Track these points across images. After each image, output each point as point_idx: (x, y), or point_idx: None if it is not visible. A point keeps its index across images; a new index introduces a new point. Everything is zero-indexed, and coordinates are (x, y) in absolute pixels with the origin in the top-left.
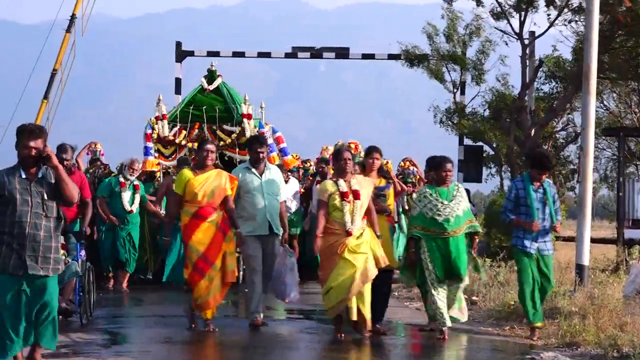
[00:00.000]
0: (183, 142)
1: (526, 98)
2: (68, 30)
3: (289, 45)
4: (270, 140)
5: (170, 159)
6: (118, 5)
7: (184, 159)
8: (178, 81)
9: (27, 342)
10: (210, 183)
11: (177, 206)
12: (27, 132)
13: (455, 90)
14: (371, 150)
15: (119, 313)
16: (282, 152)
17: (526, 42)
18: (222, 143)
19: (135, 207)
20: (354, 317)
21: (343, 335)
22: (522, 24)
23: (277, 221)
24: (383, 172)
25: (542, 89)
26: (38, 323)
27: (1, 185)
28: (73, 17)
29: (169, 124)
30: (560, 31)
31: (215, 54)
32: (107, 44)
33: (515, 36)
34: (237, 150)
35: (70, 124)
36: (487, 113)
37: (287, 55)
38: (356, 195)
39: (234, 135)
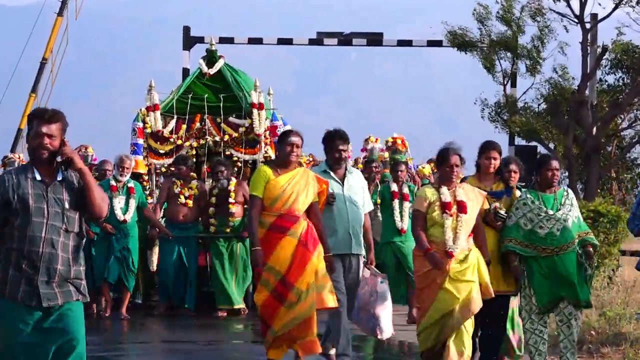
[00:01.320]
0: (179, 141)
1: (587, 91)
2: (60, 14)
3: (314, 30)
4: None
5: (165, 157)
6: None
7: (184, 156)
8: (186, 71)
9: None
10: (293, 185)
11: (259, 214)
12: (39, 115)
13: (505, 81)
14: (488, 148)
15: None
16: None
17: (587, 26)
18: (227, 138)
19: (129, 216)
20: None
21: None
22: (583, 5)
23: (360, 237)
24: (502, 175)
25: (606, 81)
26: None
27: (5, 189)
28: (64, 2)
29: (162, 115)
30: (627, 13)
31: (229, 40)
32: (104, 29)
33: (575, 20)
34: (244, 148)
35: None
36: (542, 108)
37: (312, 42)
38: (462, 207)
39: (241, 130)
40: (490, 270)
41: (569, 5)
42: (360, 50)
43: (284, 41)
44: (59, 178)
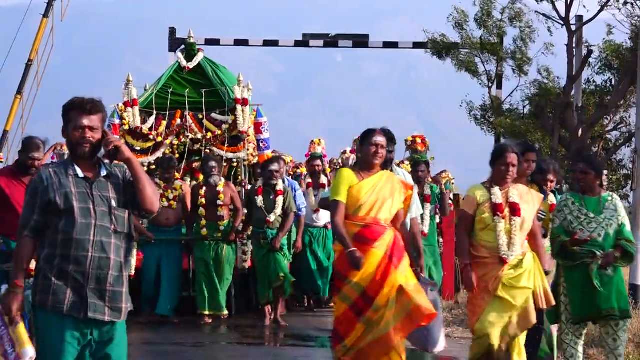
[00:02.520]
0: (159, 138)
1: (573, 92)
2: (45, 15)
3: (299, 32)
4: (266, 134)
5: (144, 155)
6: None
7: (169, 158)
8: None
9: None
10: (379, 191)
11: (342, 221)
12: (78, 106)
13: (490, 83)
14: (525, 150)
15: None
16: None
17: (573, 28)
18: (209, 135)
19: None
20: None
21: None
22: (568, 7)
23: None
24: (537, 179)
25: (594, 81)
26: None
27: (45, 189)
28: (50, 1)
29: (141, 111)
30: (613, 15)
31: (215, 42)
32: (89, 30)
33: (560, 21)
34: (227, 146)
35: (47, 123)
36: (527, 110)
37: (297, 44)
38: (515, 210)
39: (225, 127)
40: None
41: (554, 8)
42: (346, 52)
43: (270, 43)
44: (103, 174)
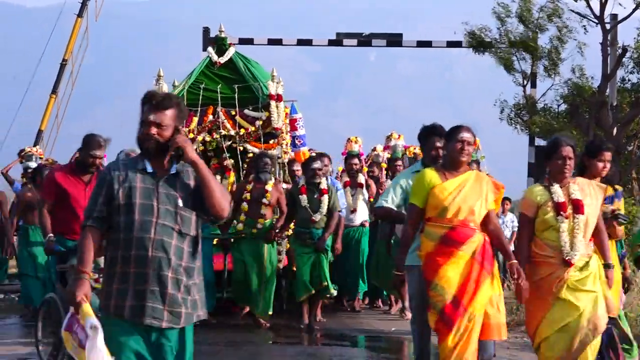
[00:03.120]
0: (190, 134)
1: (607, 91)
2: (80, 15)
3: (333, 31)
4: (302, 130)
5: None
6: None
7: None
8: None
9: None
10: (466, 191)
11: (414, 227)
12: (148, 100)
13: (525, 82)
14: (600, 149)
15: None
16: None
17: (608, 26)
18: (242, 132)
19: None
20: None
21: None
22: (603, 5)
23: None
24: (610, 179)
25: (629, 80)
26: None
27: (110, 181)
28: (84, 3)
29: None
30: None
31: (249, 41)
32: (123, 30)
33: (595, 20)
34: (261, 143)
35: (81, 122)
36: (562, 109)
37: (331, 43)
38: (578, 207)
39: (258, 123)
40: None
41: (589, 6)
42: (380, 51)
43: (304, 42)
44: (173, 171)
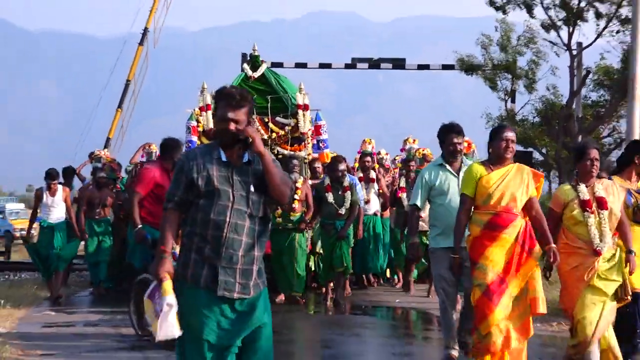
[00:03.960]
0: None
1: (574, 106)
2: (141, 43)
3: (349, 56)
4: (325, 135)
5: None
6: (188, 18)
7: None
8: None
9: None
10: (508, 181)
11: (467, 214)
12: (226, 98)
13: (506, 98)
14: (637, 149)
15: None
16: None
17: (574, 52)
18: (274, 136)
19: None
20: None
21: None
22: (570, 35)
23: None
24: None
25: (589, 97)
26: None
27: (190, 168)
28: (146, 30)
29: (214, 115)
30: (607, 42)
31: (279, 65)
32: (177, 56)
33: (564, 47)
34: (290, 145)
35: (141, 132)
36: (536, 120)
37: (347, 66)
38: (602, 204)
39: (287, 128)
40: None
41: (559, 35)
42: (387, 73)
43: (324, 65)
44: (245, 160)
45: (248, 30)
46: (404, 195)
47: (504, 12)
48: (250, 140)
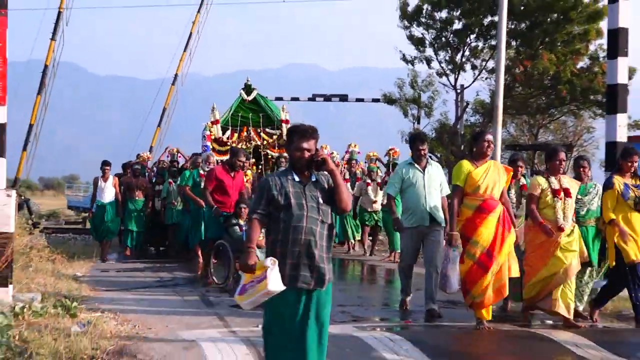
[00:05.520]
0: (233, 144)
1: (458, 126)
2: (173, 83)
3: (311, 93)
4: None
5: (224, 154)
6: (203, 66)
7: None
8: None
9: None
10: (490, 175)
11: (460, 201)
12: (300, 133)
13: (414, 121)
14: (631, 153)
15: None
16: None
17: (458, 91)
18: (265, 142)
19: None
20: (557, 309)
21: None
22: (456, 80)
23: (439, 213)
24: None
25: (469, 120)
26: (309, 341)
27: (270, 188)
28: (176, 75)
29: (221, 127)
30: (480, 84)
31: (264, 97)
32: (197, 92)
33: (452, 87)
34: (276, 149)
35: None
36: (434, 136)
37: (309, 99)
38: (567, 193)
39: (274, 137)
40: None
41: (448, 80)
42: (336, 104)
43: (294, 99)
44: (313, 179)
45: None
46: (347, 185)
47: (412, 64)
48: (322, 159)
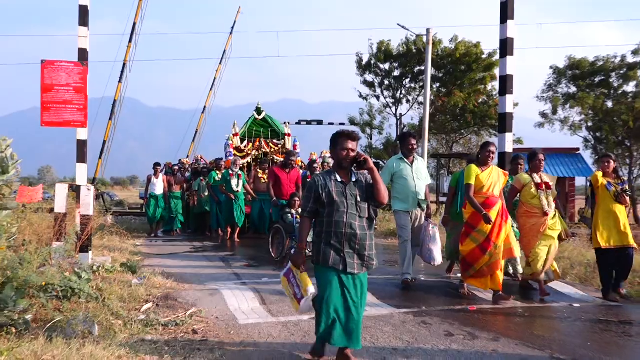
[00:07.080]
0: (248, 151)
1: (397, 142)
2: (202, 112)
3: (297, 119)
4: (298, 149)
5: (243, 159)
6: (225, 98)
7: (289, 151)
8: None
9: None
10: (492, 177)
11: (472, 194)
12: (346, 135)
13: (369, 138)
14: (607, 158)
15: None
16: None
17: (398, 118)
18: (272, 150)
19: (240, 188)
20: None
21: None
22: (396, 110)
23: (422, 199)
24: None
25: None
26: (351, 318)
27: (316, 187)
28: (205, 107)
29: (240, 138)
30: (413, 113)
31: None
32: (220, 118)
33: (394, 115)
34: (280, 155)
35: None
36: (382, 148)
37: (296, 124)
38: (547, 185)
39: (279, 146)
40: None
41: (391, 109)
42: (315, 127)
43: (286, 123)
44: (353, 179)
45: (253, 107)
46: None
47: (367, 100)
48: (364, 159)
